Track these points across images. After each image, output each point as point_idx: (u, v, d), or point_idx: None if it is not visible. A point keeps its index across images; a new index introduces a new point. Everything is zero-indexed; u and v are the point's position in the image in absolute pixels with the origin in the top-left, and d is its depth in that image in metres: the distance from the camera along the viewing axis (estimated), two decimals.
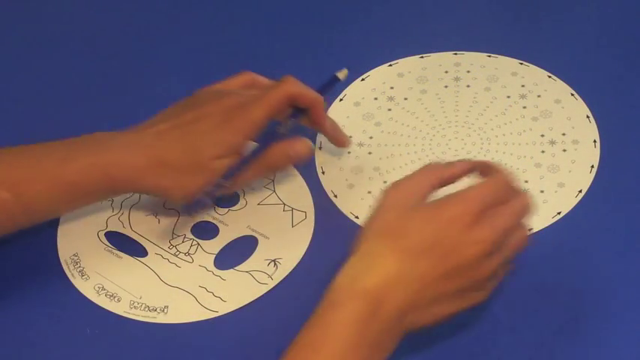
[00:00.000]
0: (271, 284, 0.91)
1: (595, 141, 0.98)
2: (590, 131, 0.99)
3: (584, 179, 0.95)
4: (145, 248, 0.94)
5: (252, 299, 0.90)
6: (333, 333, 0.75)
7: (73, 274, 0.92)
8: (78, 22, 1.16)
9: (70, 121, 1.03)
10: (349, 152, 1.00)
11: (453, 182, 0.82)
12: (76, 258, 0.93)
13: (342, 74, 0.97)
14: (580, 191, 0.94)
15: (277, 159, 0.92)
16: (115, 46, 1.13)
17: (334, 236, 0.94)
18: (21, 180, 0.88)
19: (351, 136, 1.00)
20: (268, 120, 0.91)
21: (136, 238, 0.95)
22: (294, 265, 0.92)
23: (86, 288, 0.91)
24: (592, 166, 0.96)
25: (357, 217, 0.95)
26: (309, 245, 0.93)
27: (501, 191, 0.80)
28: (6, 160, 0.89)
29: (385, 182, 0.97)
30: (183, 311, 0.90)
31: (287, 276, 0.91)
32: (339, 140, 0.98)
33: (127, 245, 0.94)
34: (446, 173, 0.82)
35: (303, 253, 0.93)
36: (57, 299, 0.91)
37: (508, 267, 0.82)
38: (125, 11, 1.17)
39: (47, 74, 1.10)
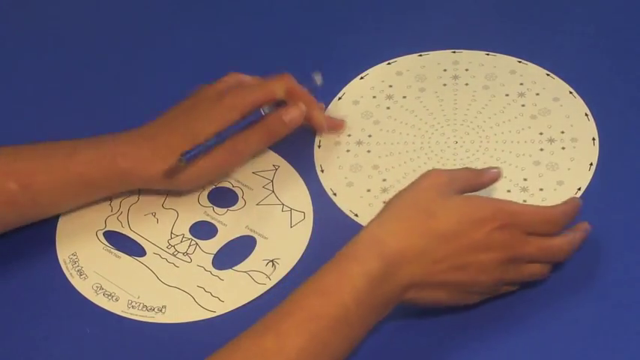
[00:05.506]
0: (269, 284, 0.91)
1: (594, 139, 0.98)
2: (589, 129, 0.99)
3: (583, 177, 0.95)
4: (143, 248, 0.94)
5: (250, 299, 0.90)
6: (347, 283, 0.79)
7: (71, 274, 0.92)
8: (78, 22, 1.16)
9: (69, 122, 1.04)
10: (348, 150, 1.00)
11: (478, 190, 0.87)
12: (74, 257, 0.94)
13: (318, 78, 0.99)
14: (579, 189, 0.94)
15: (275, 126, 0.95)
16: (115, 45, 1.13)
17: (333, 235, 0.94)
18: (28, 171, 0.89)
19: (349, 135, 1.00)
20: (262, 104, 0.95)
21: (134, 238, 0.95)
22: (293, 265, 0.92)
23: (84, 287, 0.92)
24: (591, 164, 0.96)
25: (356, 215, 0.95)
26: (308, 246, 0.93)
27: (547, 223, 0.84)
28: (12, 154, 0.91)
29: (384, 180, 0.97)
30: (181, 311, 0.90)
31: (285, 276, 0.91)
32: (335, 125, 1.01)
33: (125, 245, 0.94)
34: (478, 182, 0.87)
35: (301, 254, 0.93)
36: (55, 298, 0.91)
37: (510, 288, 0.86)
38: (125, 11, 1.17)
39: (46, 74, 1.10)
